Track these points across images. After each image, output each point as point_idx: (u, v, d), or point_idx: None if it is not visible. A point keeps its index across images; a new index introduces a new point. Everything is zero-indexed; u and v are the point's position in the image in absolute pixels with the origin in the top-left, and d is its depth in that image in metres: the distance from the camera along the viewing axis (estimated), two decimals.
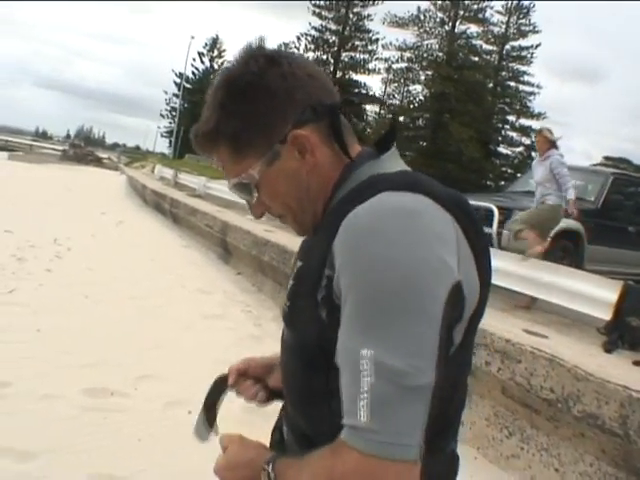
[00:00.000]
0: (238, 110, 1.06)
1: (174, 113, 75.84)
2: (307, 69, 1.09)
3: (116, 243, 10.23)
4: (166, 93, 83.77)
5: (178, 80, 76.86)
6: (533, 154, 64.26)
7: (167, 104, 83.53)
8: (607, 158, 60.69)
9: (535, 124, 63.40)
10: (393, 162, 1.08)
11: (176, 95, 77.32)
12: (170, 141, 77.07)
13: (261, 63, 1.06)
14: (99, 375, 4.20)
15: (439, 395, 0.88)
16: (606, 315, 4.86)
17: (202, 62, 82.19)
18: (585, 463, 3.51)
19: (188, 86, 77.65)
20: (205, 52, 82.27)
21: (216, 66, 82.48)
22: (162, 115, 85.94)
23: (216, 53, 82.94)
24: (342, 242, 0.94)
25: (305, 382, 1.06)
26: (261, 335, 5.73)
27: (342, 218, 0.95)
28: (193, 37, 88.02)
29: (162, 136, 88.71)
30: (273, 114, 1.05)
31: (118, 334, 5.20)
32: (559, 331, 4.85)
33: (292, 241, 7.80)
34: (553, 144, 7.20)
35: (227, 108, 1.07)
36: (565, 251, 8.29)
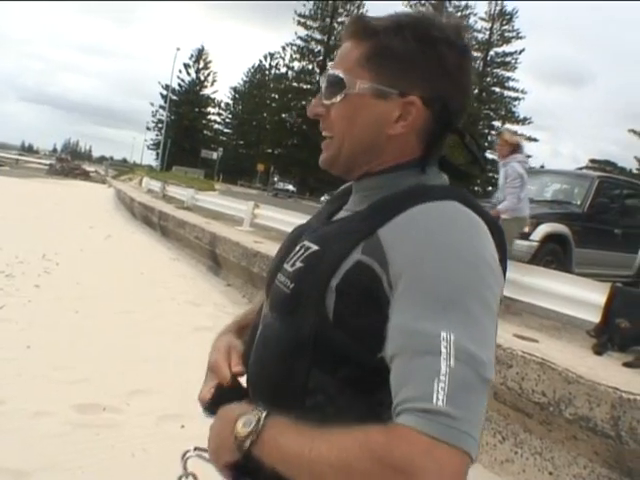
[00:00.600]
0: (411, 42, 1.02)
1: (161, 125, 76.01)
2: (472, 84, 1.09)
3: (105, 257, 10.19)
4: (152, 105, 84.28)
5: (164, 92, 77.02)
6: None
7: (153, 116, 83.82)
8: (593, 161, 61.33)
9: (521, 129, 64.00)
10: (441, 178, 1.09)
11: (162, 107, 77.50)
12: (157, 153, 77.19)
13: (463, 40, 1.06)
14: (90, 391, 4.18)
15: None
16: (595, 318, 4.89)
17: (188, 74, 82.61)
18: (579, 465, 3.52)
19: (174, 98, 77.81)
20: (191, 64, 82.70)
21: (202, 77, 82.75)
22: (148, 127, 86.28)
23: (202, 64, 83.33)
24: (406, 233, 0.93)
25: (283, 376, 1.01)
26: None
27: (392, 211, 0.97)
28: (179, 49, 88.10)
29: (149, 148, 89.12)
30: (423, 74, 1.03)
31: (109, 349, 5.17)
32: (550, 335, 4.87)
33: None
34: (515, 147, 6.94)
35: (406, 32, 1.03)
36: (553, 255, 8.34)
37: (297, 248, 1.07)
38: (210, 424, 1.07)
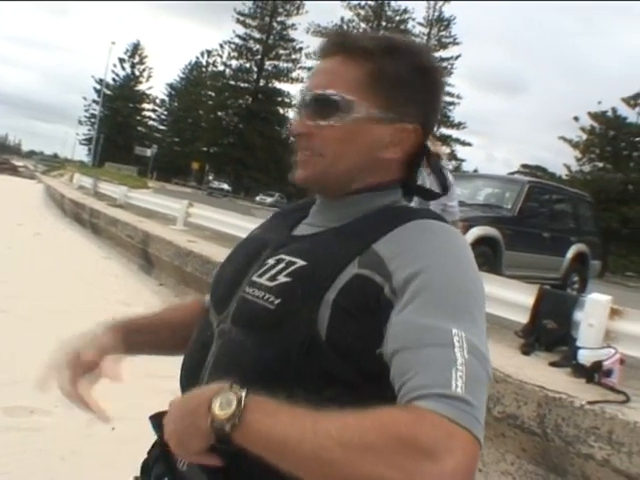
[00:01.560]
0: (409, 69, 1.06)
1: (93, 120, 74.56)
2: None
3: (34, 255, 9.89)
4: (85, 99, 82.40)
5: (98, 86, 75.43)
6: (454, 163, 65.85)
7: (86, 111, 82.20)
8: (524, 166, 62.70)
9: (455, 133, 65.23)
10: (406, 198, 1.16)
11: (96, 102, 75.95)
12: (89, 149, 75.58)
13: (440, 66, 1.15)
14: (18, 393, 4.04)
15: None
16: (524, 319, 5.01)
17: (123, 68, 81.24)
18: (507, 462, 3.61)
19: (108, 93, 76.27)
20: (126, 58, 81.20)
21: (137, 72, 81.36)
22: (81, 122, 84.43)
23: (137, 59, 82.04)
24: (406, 245, 0.96)
25: None
26: None
27: (384, 227, 1.00)
28: (114, 43, 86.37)
29: (81, 144, 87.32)
30: (417, 102, 1.08)
31: (38, 349, 4.98)
32: None
33: (216, 251, 7.74)
34: (437, 156, 6.97)
35: (402, 58, 1.06)
36: (484, 257, 8.51)
37: (272, 262, 1.04)
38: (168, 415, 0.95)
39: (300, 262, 1.01)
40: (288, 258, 1.03)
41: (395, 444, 0.74)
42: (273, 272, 1.02)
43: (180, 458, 1.00)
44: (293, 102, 69.40)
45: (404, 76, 1.05)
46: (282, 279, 1.00)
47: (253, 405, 0.82)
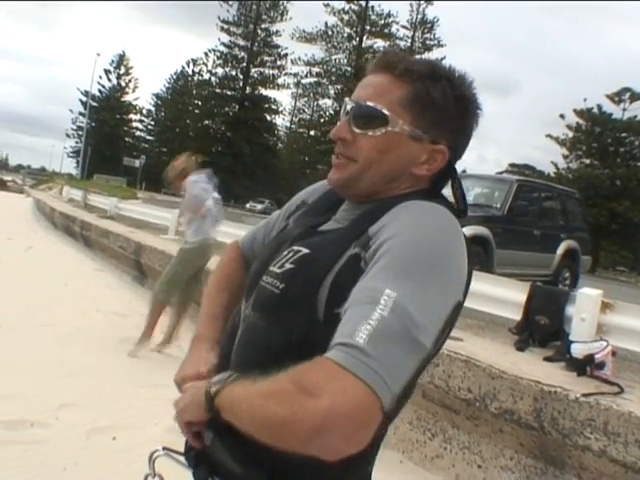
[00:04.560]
0: (449, 96, 1.12)
1: (81, 132, 74.03)
2: None
3: (26, 269, 9.85)
4: (72, 112, 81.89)
5: (84, 98, 75.13)
6: None
7: (73, 123, 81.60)
8: (513, 165, 63.03)
9: None
10: None
11: (82, 114, 75.54)
12: (77, 161, 75.19)
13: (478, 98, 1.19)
14: (17, 406, 4.06)
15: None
16: (516, 315, 5.05)
17: (109, 79, 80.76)
18: (505, 457, 3.65)
19: (95, 104, 75.89)
20: (112, 69, 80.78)
21: (123, 83, 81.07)
22: (68, 135, 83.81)
23: (123, 70, 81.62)
24: (389, 221, 1.03)
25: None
26: (182, 356, 5.57)
27: (382, 212, 1.07)
28: (99, 54, 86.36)
29: (69, 156, 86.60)
30: (452, 126, 1.15)
31: (35, 363, 5.04)
32: (474, 333, 5.02)
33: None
34: (183, 172, 6.19)
35: (444, 84, 1.12)
36: (476, 256, 8.55)
37: (285, 252, 1.13)
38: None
39: (304, 250, 1.10)
40: (297, 248, 1.12)
41: (289, 387, 0.86)
42: (283, 261, 1.11)
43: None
44: (280, 108, 69.34)
45: (439, 101, 1.11)
46: (287, 266, 1.09)
47: (237, 382, 0.99)
